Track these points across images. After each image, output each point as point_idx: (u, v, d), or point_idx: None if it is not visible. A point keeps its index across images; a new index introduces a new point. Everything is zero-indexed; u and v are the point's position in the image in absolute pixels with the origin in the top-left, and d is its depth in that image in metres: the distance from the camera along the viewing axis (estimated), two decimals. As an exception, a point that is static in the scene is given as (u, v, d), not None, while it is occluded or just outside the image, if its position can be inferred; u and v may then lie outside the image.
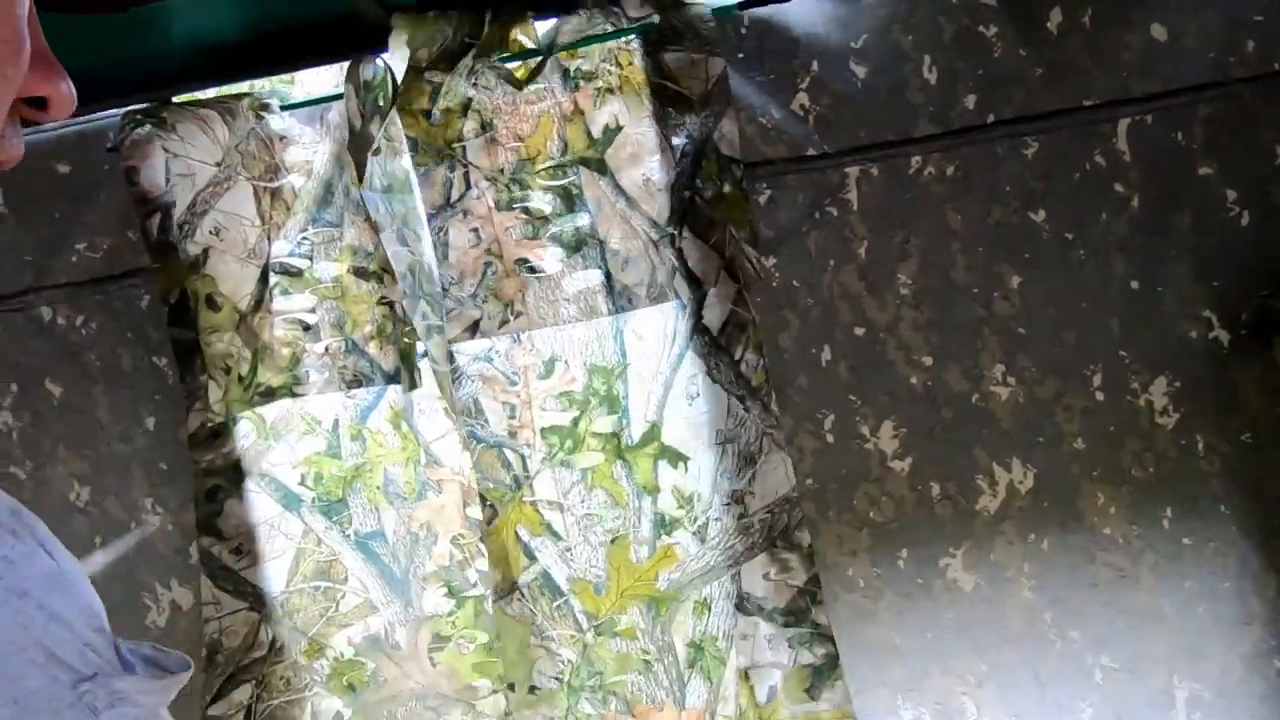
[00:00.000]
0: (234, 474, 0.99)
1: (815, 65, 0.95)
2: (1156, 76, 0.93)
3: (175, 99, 1.00)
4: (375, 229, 0.90)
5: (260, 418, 1.01)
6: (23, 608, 0.30)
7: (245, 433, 1.01)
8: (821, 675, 0.91)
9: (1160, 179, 0.94)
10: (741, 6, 0.92)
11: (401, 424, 1.03)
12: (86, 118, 1.01)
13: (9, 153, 0.34)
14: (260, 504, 1.00)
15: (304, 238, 0.99)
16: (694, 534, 0.95)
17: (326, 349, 0.99)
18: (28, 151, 0.95)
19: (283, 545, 1.03)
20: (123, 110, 1.01)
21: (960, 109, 0.95)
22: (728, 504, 0.93)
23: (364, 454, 1.03)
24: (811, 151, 0.96)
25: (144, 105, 0.98)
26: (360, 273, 1.01)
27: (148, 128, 0.88)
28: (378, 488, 1.04)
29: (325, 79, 1.05)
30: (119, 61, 0.96)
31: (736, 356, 0.92)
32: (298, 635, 1.03)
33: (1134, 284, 0.95)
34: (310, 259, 0.99)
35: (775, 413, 0.92)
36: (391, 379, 1.00)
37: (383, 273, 0.97)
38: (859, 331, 0.98)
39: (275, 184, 0.97)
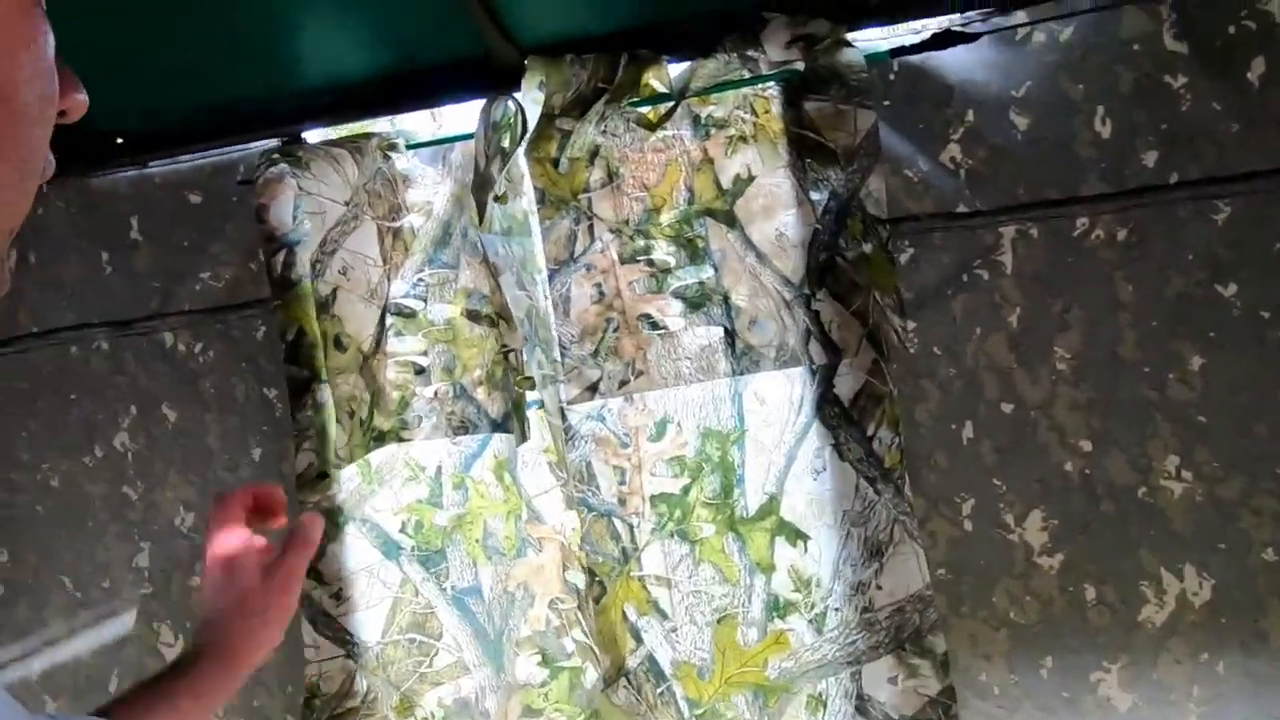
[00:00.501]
0: (337, 517, 0.97)
1: (970, 115, 0.87)
2: (1379, 136, 0.80)
3: (306, 135, 1.01)
4: (494, 272, 0.87)
5: (366, 462, 0.99)
6: None
7: (350, 476, 0.99)
8: (953, 799, 0.81)
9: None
10: (893, 53, 0.86)
11: (505, 475, 0.99)
12: (221, 150, 1.04)
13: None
14: (361, 550, 0.98)
15: (420, 279, 0.97)
16: (810, 622, 0.86)
17: (435, 393, 0.97)
18: (164, 180, 0.95)
19: (381, 594, 1.00)
20: (254, 144, 1.03)
21: (1137, 167, 0.84)
22: (851, 594, 0.84)
23: (465, 504, 1.00)
24: (962, 208, 0.87)
25: (279, 142, 0.99)
26: (473, 316, 0.98)
27: (282, 165, 0.88)
28: (477, 540, 1.00)
29: (449, 119, 1.04)
30: (254, 97, 0.97)
31: (869, 432, 0.84)
32: (390, 689, 0.99)
33: (1346, 373, 0.82)
34: (425, 300, 0.97)
35: (909, 498, 0.83)
36: (498, 427, 0.96)
37: (497, 317, 0.94)
38: (1007, 408, 0.88)
39: (397, 224, 0.96)
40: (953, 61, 0.87)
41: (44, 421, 1.11)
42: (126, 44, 0.83)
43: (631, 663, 0.87)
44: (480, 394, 0.97)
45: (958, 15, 0.85)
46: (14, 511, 1.11)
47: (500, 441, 0.96)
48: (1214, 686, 0.86)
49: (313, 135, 1.02)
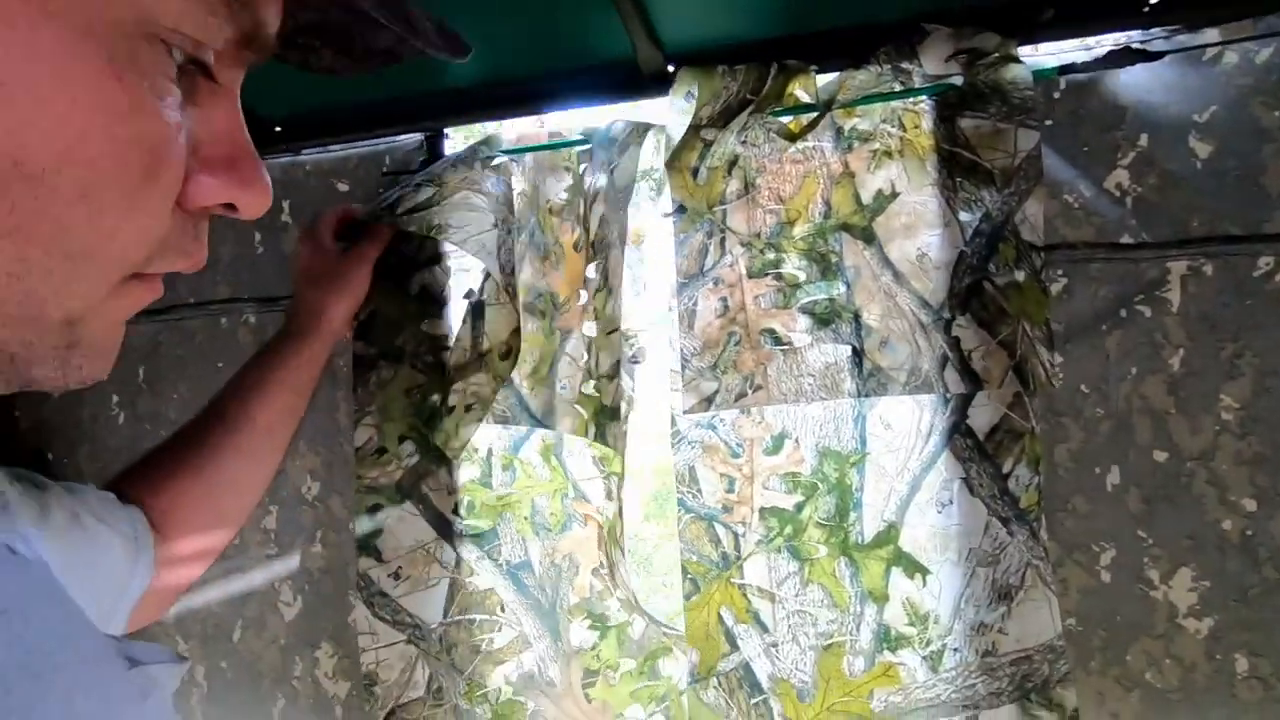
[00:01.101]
0: (395, 494, 1.00)
1: (1143, 139, 0.81)
2: None
3: (447, 130, 1.05)
4: (615, 282, 0.88)
5: (425, 439, 1.02)
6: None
7: (410, 452, 1.03)
8: None
9: None
10: (1061, 71, 0.81)
11: (551, 458, 1.01)
12: (369, 141, 1.09)
13: (190, 259, 0.34)
14: (418, 528, 1.01)
15: (486, 271, 1.00)
16: (924, 659, 0.83)
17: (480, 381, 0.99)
18: (314, 167, 1.04)
19: (438, 573, 1.03)
20: (399, 137, 1.07)
21: (1337, 204, 0.77)
22: (972, 635, 0.81)
23: (513, 484, 1.02)
24: (1126, 239, 0.81)
25: (422, 136, 1.03)
26: (528, 309, 1.00)
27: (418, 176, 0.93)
28: (525, 518, 1.02)
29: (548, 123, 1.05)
30: (400, 94, 1.02)
31: (1005, 469, 0.80)
32: (455, 674, 1.01)
33: None
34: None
35: (1044, 543, 0.79)
36: (538, 423, 0.98)
37: (554, 309, 0.97)
38: (1160, 456, 0.82)
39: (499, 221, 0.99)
40: (1128, 81, 0.81)
41: (193, 386, 1.20)
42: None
43: (724, 666, 0.87)
44: (525, 388, 0.99)
45: (1138, 32, 0.79)
46: (162, 466, 1.21)
47: (546, 429, 0.98)
48: (1382, 784, 0.78)
49: (454, 130, 1.05)
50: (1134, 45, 0.78)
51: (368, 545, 1.02)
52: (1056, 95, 0.82)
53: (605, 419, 0.94)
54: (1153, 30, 0.78)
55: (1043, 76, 0.81)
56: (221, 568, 1.19)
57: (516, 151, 1.00)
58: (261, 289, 1.15)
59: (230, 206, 0.34)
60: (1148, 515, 0.81)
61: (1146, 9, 0.76)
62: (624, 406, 0.92)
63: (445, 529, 1.02)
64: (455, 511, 1.02)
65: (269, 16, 0.31)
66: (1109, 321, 0.82)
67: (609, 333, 0.93)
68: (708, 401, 0.89)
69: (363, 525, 1.02)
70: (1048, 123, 0.83)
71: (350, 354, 1.10)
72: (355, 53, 0.42)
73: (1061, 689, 0.77)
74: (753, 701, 0.87)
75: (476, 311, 1.00)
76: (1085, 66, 0.79)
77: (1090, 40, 0.81)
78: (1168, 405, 0.81)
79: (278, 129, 1.08)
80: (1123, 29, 0.78)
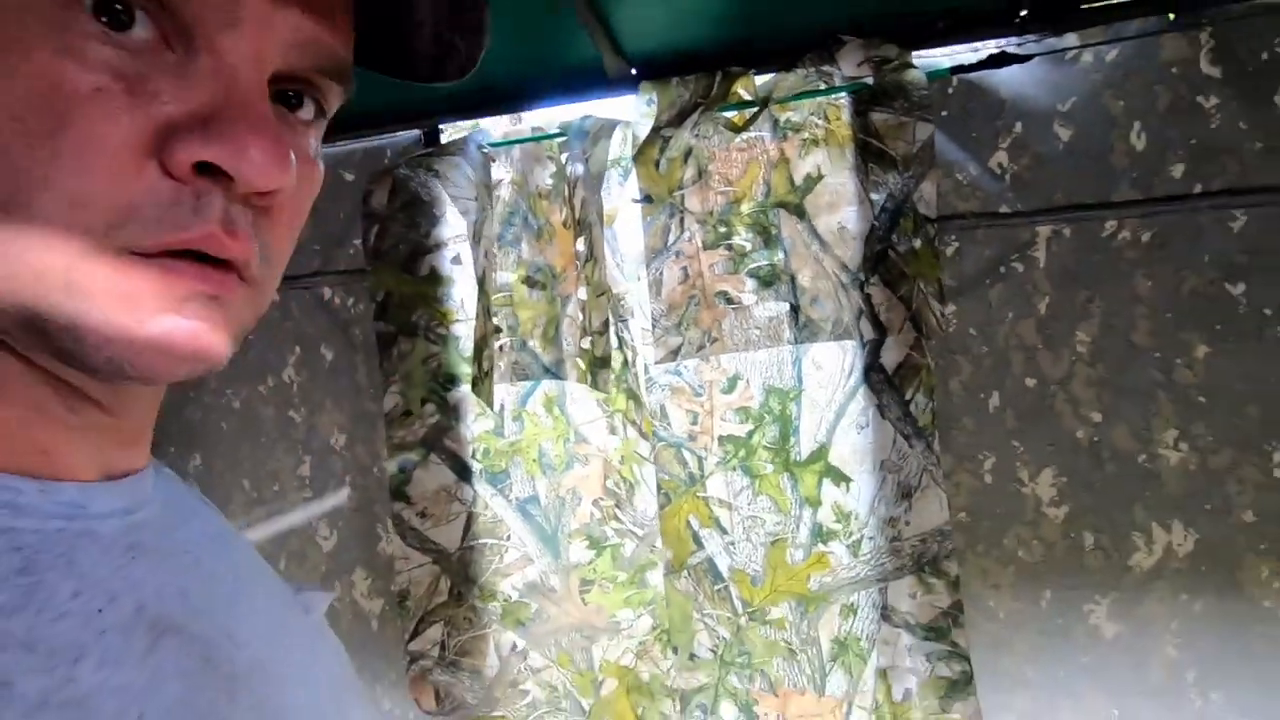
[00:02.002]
0: (421, 448, 1.20)
1: (1018, 126, 0.99)
2: (1396, 157, 0.90)
3: (442, 126, 1.20)
4: (600, 257, 1.06)
5: (444, 400, 1.22)
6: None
7: (431, 413, 1.22)
8: (956, 689, 1.01)
9: (1383, 263, 0.91)
10: (953, 70, 0.98)
11: (554, 408, 1.20)
12: (372, 136, 1.24)
13: (191, 233, 0.27)
14: (440, 474, 1.22)
15: (488, 252, 1.17)
16: (848, 547, 1.06)
17: (500, 346, 1.18)
18: (326, 160, 1.20)
19: (458, 509, 1.24)
20: (399, 133, 1.22)
21: (1165, 177, 0.96)
22: (883, 526, 1.03)
23: (522, 432, 1.22)
24: (1004, 209, 1.01)
25: (419, 132, 1.18)
26: (530, 282, 1.18)
27: (391, 165, 1.10)
28: (534, 460, 1.22)
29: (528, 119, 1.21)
30: (398, 95, 1.16)
31: (907, 397, 1.01)
32: (471, 584, 1.23)
33: (1336, 367, 0.94)
34: (495, 269, 1.18)
35: (937, 452, 1.00)
36: (549, 373, 1.18)
37: (553, 279, 1.16)
38: (1030, 382, 1.03)
39: (478, 207, 1.16)
40: (1006, 78, 0.99)
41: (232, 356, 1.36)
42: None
43: (692, 560, 1.09)
44: (536, 346, 1.18)
45: (1014, 38, 0.96)
46: (206, 427, 1.39)
47: (549, 383, 1.17)
48: (1190, 623, 1.02)
49: (446, 127, 1.21)
50: (1009, 50, 0.96)
51: (399, 492, 1.22)
52: (950, 91, 1.00)
53: (598, 368, 1.13)
54: (1025, 36, 0.96)
55: (938, 75, 0.98)
56: (264, 511, 1.38)
57: (504, 144, 1.16)
58: (285, 268, 1.31)
59: (222, 172, 0.26)
60: (1020, 429, 1.03)
61: (1018, 20, 0.94)
62: (614, 356, 1.12)
63: (464, 473, 1.22)
64: (473, 457, 1.22)
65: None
66: (991, 277, 1.02)
67: (598, 295, 1.11)
68: (674, 353, 1.09)
69: (395, 476, 1.22)
70: (944, 114, 1.01)
71: (366, 324, 1.27)
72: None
73: (948, 562, 1.00)
74: (716, 588, 1.10)
75: (480, 289, 1.17)
76: (971, 67, 0.97)
77: (977, 45, 0.98)
78: (1036, 342, 1.02)
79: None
80: (1001, 36, 0.96)
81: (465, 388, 1.21)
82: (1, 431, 0.28)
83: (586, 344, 1.15)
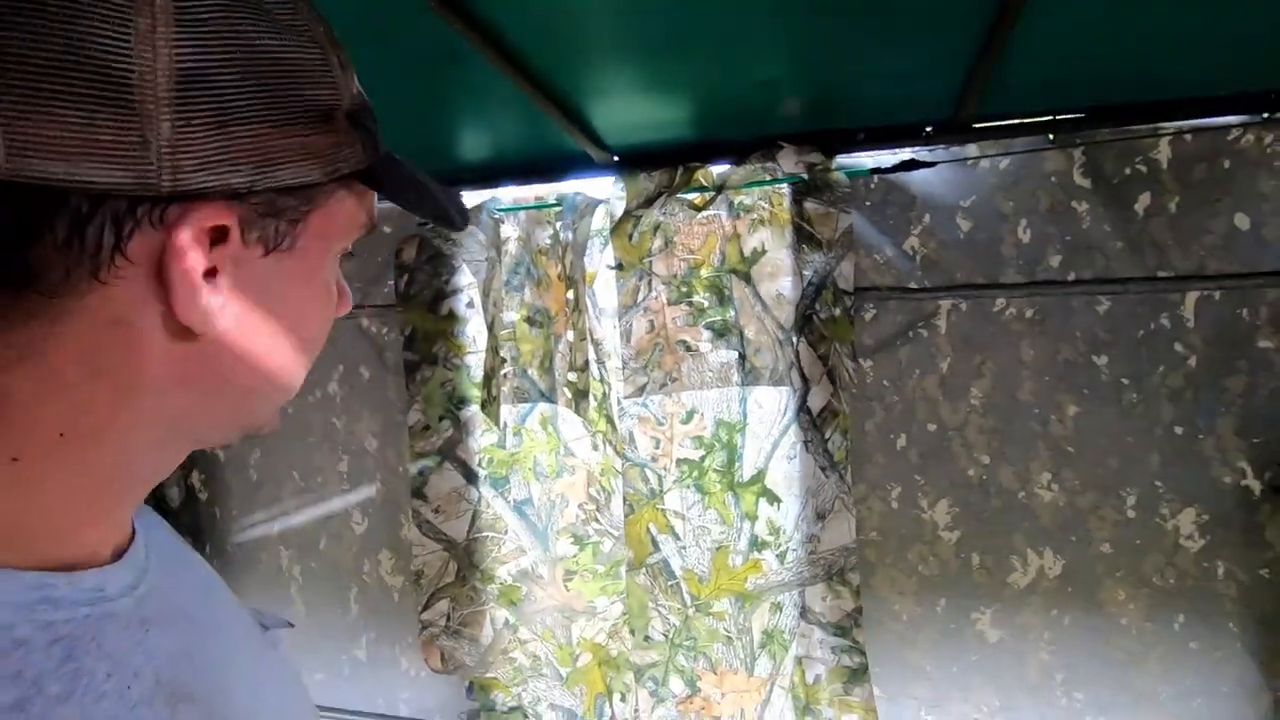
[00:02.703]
0: (437, 456, 1.46)
1: (927, 217, 1.20)
2: (1233, 259, 1.08)
3: (463, 192, 1.46)
4: (583, 307, 1.31)
5: (457, 417, 1.48)
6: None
7: (446, 428, 1.48)
8: (855, 677, 1.23)
9: (1219, 346, 1.10)
10: (873, 171, 1.19)
11: (548, 426, 1.45)
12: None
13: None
14: (452, 478, 1.48)
15: (495, 300, 1.42)
16: (777, 556, 1.29)
17: (504, 374, 1.43)
18: None
19: (465, 507, 1.51)
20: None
21: (1045, 265, 1.16)
22: (804, 541, 1.26)
23: (520, 446, 1.47)
24: (914, 284, 1.22)
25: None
26: (530, 321, 1.43)
27: (418, 229, 1.36)
28: (530, 469, 1.47)
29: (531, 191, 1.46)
30: (428, 167, 1.42)
31: (826, 435, 1.23)
32: (473, 569, 1.50)
33: (1178, 429, 1.13)
34: (502, 310, 1.43)
35: (848, 482, 1.23)
36: (544, 397, 1.43)
37: (548, 320, 1.40)
38: (931, 427, 1.24)
39: (488, 263, 1.41)
40: (918, 177, 1.20)
41: (284, 369, 1.65)
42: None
43: (650, 560, 1.33)
44: (534, 374, 1.43)
45: (923, 147, 1.17)
46: (264, 426, 1.68)
47: (544, 404, 1.42)
48: (1060, 632, 1.23)
49: (466, 193, 1.46)
50: (918, 158, 1.17)
51: (419, 492, 1.49)
52: (871, 185, 1.22)
53: (580, 398, 1.38)
54: (933, 146, 1.17)
55: (860, 174, 1.20)
56: (310, 499, 1.67)
57: (512, 210, 1.41)
58: (331, 300, 1.59)
59: None
60: (922, 466, 1.25)
61: (925, 134, 1.15)
62: (595, 388, 1.36)
63: (471, 478, 1.48)
64: (479, 465, 1.48)
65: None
66: (902, 339, 1.23)
67: (580, 340, 1.36)
68: (640, 390, 1.33)
69: (415, 479, 1.48)
70: (866, 204, 1.22)
71: (396, 350, 1.54)
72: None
73: (852, 574, 1.22)
74: (669, 583, 1.34)
75: (490, 330, 1.42)
76: (888, 169, 1.18)
77: (895, 150, 1.19)
78: (938, 395, 1.23)
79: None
80: (912, 146, 1.17)
81: (475, 408, 1.47)
82: (42, 531, 0.35)
83: (572, 378, 1.40)
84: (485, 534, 1.49)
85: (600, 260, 1.32)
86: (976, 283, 1.19)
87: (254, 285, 0.38)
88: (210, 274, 0.36)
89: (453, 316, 1.43)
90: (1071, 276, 1.15)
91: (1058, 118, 1.10)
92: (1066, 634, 1.22)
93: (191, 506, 1.75)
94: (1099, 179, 1.11)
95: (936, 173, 1.18)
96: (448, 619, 1.51)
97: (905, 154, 1.18)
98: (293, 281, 0.40)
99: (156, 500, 1.72)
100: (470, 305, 1.44)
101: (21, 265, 0.32)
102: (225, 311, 0.37)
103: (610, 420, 1.36)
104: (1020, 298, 1.17)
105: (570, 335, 1.39)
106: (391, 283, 1.51)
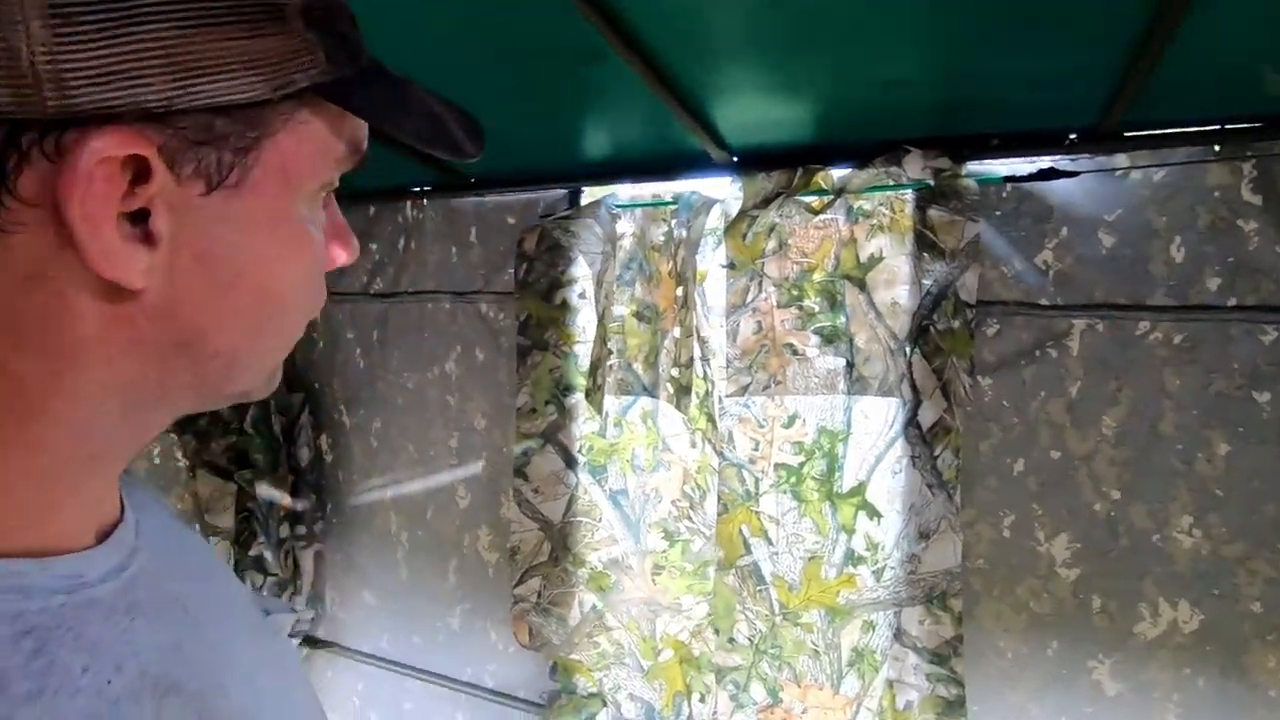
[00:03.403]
0: (540, 439, 1.52)
1: (1065, 230, 1.13)
2: None
3: (584, 189, 1.52)
4: (691, 304, 1.33)
5: (562, 404, 1.53)
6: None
7: (551, 412, 1.54)
8: (951, 709, 1.17)
9: None
10: (1006, 179, 1.14)
11: (648, 420, 1.47)
12: (531, 190, 1.58)
13: (319, 307, 0.40)
14: (552, 461, 1.53)
15: (608, 293, 1.46)
16: (873, 572, 1.25)
17: (610, 366, 1.46)
18: (494, 206, 1.61)
19: (563, 491, 1.55)
20: (552, 189, 1.56)
21: (1201, 288, 1.06)
22: (904, 560, 1.21)
23: (620, 437, 1.50)
24: (1044, 301, 1.15)
25: (565, 190, 1.51)
26: (639, 316, 1.46)
27: (539, 219, 1.42)
28: (627, 460, 1.50)
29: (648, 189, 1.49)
30: (553, 163, 1.49)
31: (936, 452, 1.18)
32: (566, 551, 1.54)
33: (1355, 481, 1.00)
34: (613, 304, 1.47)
35: (956, 503, 1.17)
36: (646, 391, 1.45)
37: (656, 316, 1.42)
38: (1054, 454, 1.16)
39: (603, 256, 1.46)
40: (1057, 188, 1.13)
41: (408, 349, 1.78)
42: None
43: (740, 562, 1.33)
44: (639, 368, 1.45)
45: (1065, 155, 1.11)
46: (387, 400, 1.81)
47: (646, 399, 1.44)
48: (1192, 695, 1.11)
49: (587, 188, 1.52)
50: (1059, 166, 1.10)
51: (521, 471, 1.56)
52: (1004, 194, 1.16)
53: (682, 394, 1.40)
54: (1075, 155, 1.10)
55: (992, 181, 1.15)
56: (422, 470, 1.78)
57: (629, 206, 1.45)
58: (456, 285, 1.69)
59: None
60: (1041, 494, 1.17)
61: (1067, 142, 1.09)
62: (697, 385, 1.38)
63: (571, 463, 1.54)
64: (579, 452, 1.53)
65: (364, 149, 0.39)
66: (1027, 358, 1.17)
67: (687, 337, 1.38)
68: (743, 390, 1.33)
69: (518, 458, 1.56)
70: (996, 213, 1.17)
71: (510, 335, 1.62)
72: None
73: (954, 599, 1.16)
74: (757, 588, 1.33)
75: (600, 321, 1.48)
76: (1024, 178, 1.13)
77: (1030, 157, 1.14)
78: (1064, 420, 1.15)
79: (472, 180, 1.60)
80: (1051, 154, 1.11)
81: (579, 396, 1.52)
82: (15, 524, 0.32)
83: (675, 373, 1.42)
84: (580, 519, 1.54)
85: (712, 259, 1.34)
86: (1117, 303, 1.11)
87: (200, 232, 0.32)
88: (138, 218, 0.30)
89: (565, 306, 1.49)
90: (1232, 302, 1.05)
91: (1226, 127, 1.01)
92: (1200, 698, 1.10)
93: (318, 466, 1.92)
94: (1272, 196, 1.01)
95: (1078, 183, 1.12)
96: (539, 596, 1.57)
97: (1043, 162, 1.12)
98: (249, 227, 0.33)
99: (288, 457, 1.90)
100: (583, 296, 1.49)
101: None
102: (162, 263, 0.31)
103: (711, 419, 1.37)
104: (1168, 321, 1.08)
105: (677, 332, 1.41)
106: (512, 270, 1.59)
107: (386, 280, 1.78)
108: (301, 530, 1.93)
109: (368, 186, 1.71)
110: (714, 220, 1.33)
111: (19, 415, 0.31)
